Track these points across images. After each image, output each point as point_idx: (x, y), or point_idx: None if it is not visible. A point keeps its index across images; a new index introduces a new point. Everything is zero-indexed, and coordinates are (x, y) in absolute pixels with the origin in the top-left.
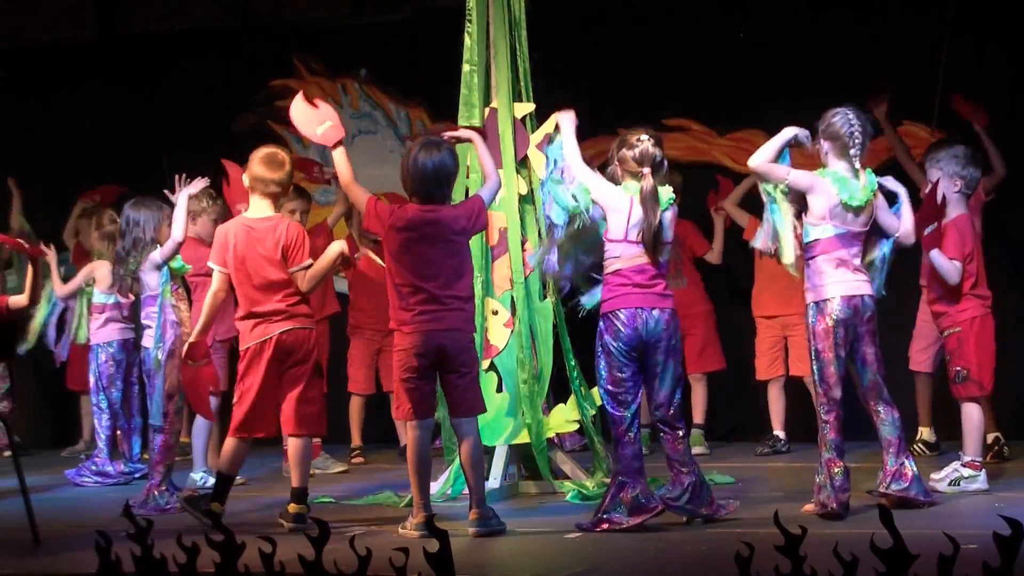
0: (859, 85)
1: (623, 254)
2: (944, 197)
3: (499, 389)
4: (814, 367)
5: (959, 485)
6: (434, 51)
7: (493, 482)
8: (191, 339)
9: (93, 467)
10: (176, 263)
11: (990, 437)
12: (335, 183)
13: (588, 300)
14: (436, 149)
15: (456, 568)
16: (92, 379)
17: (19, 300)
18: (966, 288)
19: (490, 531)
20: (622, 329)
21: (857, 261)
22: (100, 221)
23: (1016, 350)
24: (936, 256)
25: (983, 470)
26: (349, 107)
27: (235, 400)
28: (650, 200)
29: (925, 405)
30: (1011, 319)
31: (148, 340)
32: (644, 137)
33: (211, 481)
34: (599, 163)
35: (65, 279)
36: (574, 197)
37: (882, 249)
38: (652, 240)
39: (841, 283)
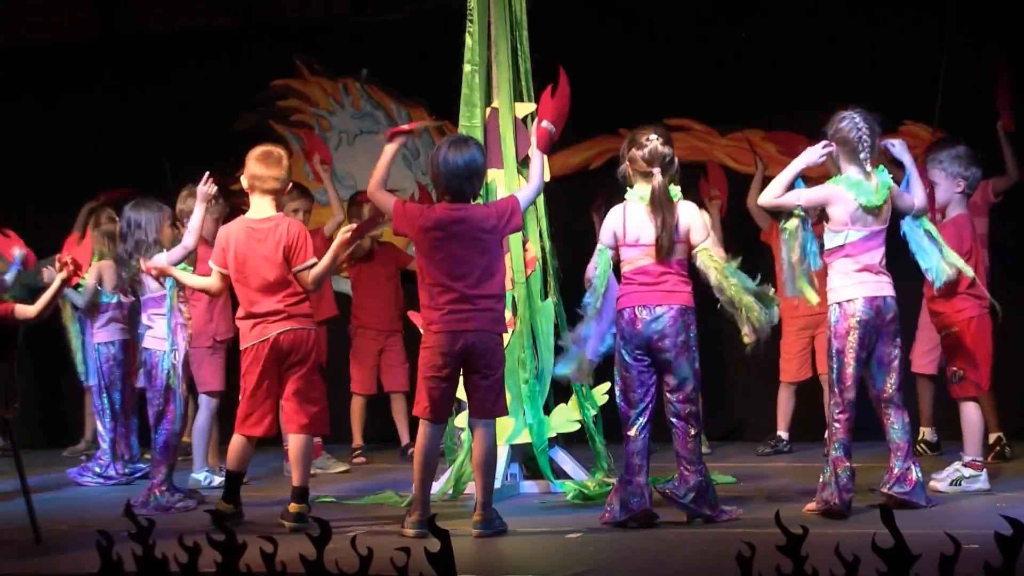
0: (860, 84)
1: (626, 258)
2: (932, 185)
3: None
4: (832, 366)
5: (960, 485)
6: (435, 51)
7: (495, 482)
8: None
9: (96, 468)
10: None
11: (992, 437)
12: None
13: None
14: (465, 145)
15: (457, 568)
16: (95, 380)
17: (27, 311)
18: (963, 287)
19: (493, 532)
20: (626, 327)
21: (880, 262)
22: (98, 220)
23: (1019, 350)
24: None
25: (984, 470)
26: (350, 107)
27: (239, 399)
28: (662, 199)
29: (927, 406)
30: (1015, 319)
31: (150, 341)
32: (653, 136)
33: (216, 480)
34: (600, 162)
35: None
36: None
37: (908, 234)
38: (667, 240)
39: (863, 284)
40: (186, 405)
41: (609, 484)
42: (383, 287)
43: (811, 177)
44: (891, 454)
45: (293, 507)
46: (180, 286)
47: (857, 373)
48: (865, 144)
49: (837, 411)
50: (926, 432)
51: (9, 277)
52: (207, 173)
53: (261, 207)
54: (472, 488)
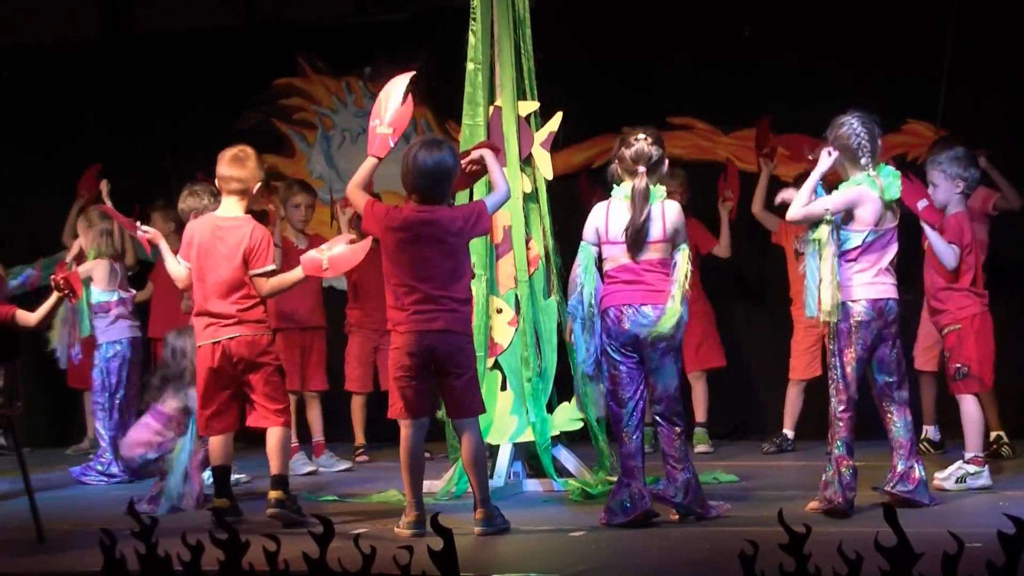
0: (863, 83)
1: (608, 255)
2: (932, 186)
3: (503, 387)
4: (835, 364)
5: (965, 482)
6: (438, 49)
7: (497, 480)
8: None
9: (99, 467)
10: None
11: (992, 435)
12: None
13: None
14: (437, 148)
15: (460, 566)
16: (98, 378)
17: (28, 319)
18: (966, 282)
19: (495, 530)
20: (612, 326)
21: (889, 262)
22: (90, 218)
23: (1019, 350)
24: (935, 239)
25: (986, 466)
26: (353, 105)
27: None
28: (639, 198)
29: (930, 404)
30: (1015, 320)
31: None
32: (642, 136)
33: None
34: (603, 161)
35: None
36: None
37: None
38: (635, 236)
39: (868, 286)
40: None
41: (611, 482)
42: (377, 287)
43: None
44: (893, 453)
45: (272, 494)
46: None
47: (859, 372)
48: (865, 149)
49: (840, 409)
50: (928, 430)
51: (14, 284)
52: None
53: (229, 207)
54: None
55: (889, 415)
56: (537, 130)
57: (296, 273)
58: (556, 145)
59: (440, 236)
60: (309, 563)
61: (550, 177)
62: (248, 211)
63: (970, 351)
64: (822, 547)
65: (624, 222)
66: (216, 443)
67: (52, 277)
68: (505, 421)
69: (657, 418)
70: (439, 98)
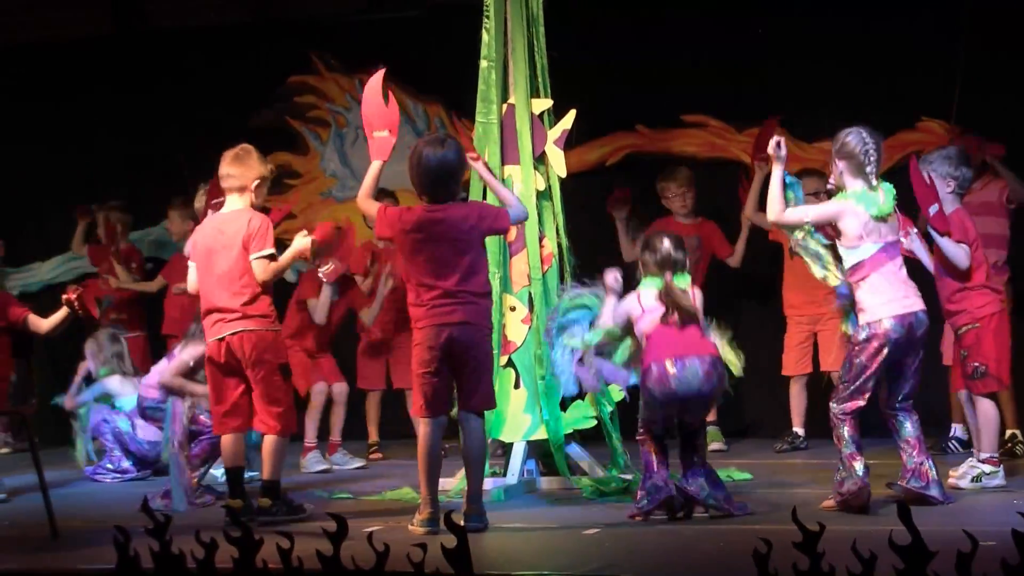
0: (877, 80)
1: (644, 328)
2: (930, 177)
3: (517, 385)
4: (852, 374)
5: (981, 481)
6: (452, 47)
7: (511, 478)
8: None
9: (109, 464)
10: None
11: (1007, 434)
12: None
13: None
14: (440, 145)
15: (473, 564)
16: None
17: (39, 325)
18: (980, 278)
19: (472, 528)
20: (655, 387)
21: (902, 271)
22: (99, 342)
23: None
24: (944, 243)
25: (1001, 466)
26: None
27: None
28: (672, 302)
29: (957, 402)
30: None
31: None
32: (667, 242)
33: None
34: (617, 159)
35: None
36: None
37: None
38: (682, 320)
39: (893, 303)
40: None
41: (625, 481)
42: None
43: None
44: (902, 452)
45: (261, 502)
46: None
47: (875, 383)
48: (871, 158)
49: (842, 410)
50: (958, 428)
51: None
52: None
53: (231, 203)
54: (488, 484)
55: (895, 417)
56: (550, 128)
57: (285, 257)
58: (570, 143)
59: (452, 234)
60: (323, 561)
61: (564, 175)
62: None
63: (988, 350)
64: (836, 545)
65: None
66: (227, 443)
67: (64, 295)
68: (518, 419)
69: (692, 466)
70: (452, 95)
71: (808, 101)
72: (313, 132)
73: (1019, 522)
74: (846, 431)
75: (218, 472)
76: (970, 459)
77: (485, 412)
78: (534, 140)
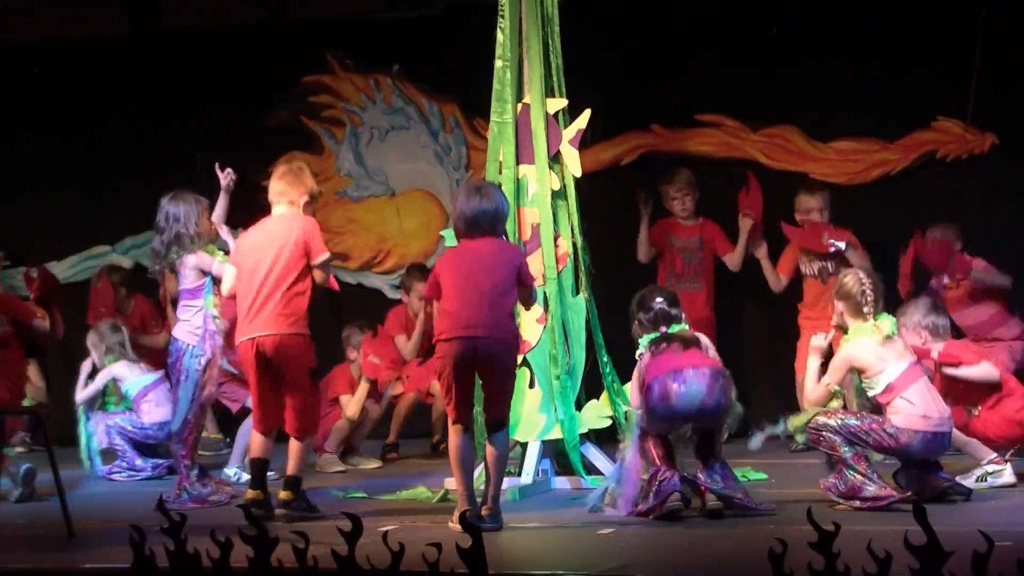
0: (893, 80)
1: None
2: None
3: (531, 385)
4: (852, 428)
5: (986, 481)
6: (467, 47)
7: (526, 478)
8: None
9: (124, 463)
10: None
11: None
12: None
13: None
14: (476, 195)
15: (489, 563)
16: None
17: (44, 327)
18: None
19: (487, 528)
20: (658, 404)
21: (932, 388)
22: (101, 333)
23: None
24: (964, 372)
25: (1008, 464)
26: (382, 103)
27: None
28: (667, 337)
29: None
30: None
31: (180, 332)
32: (659, 300)
33: (244, 477)
34: (632, 158)
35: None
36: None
37: None
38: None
39: (925, 419)
40: (204, 407)
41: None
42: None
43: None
44: None
45: (282, 494)
46: (217, 291)
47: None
48: (868, 299)
49: (833, 440)
50: None
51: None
52: (226, 168)
53: (278, 210)
54: (505, 484)
55: None
56: (565, 127)
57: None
58: (584, 142)
59: (488, 256)
60: (338, 560)
61: (579, 174)
62: None
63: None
64: (851, 545)
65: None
66: (255, 438)
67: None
68: (533, 419)
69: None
70: (467, 95)
71: (823, 100)
72: (328, 132)
73: None
74: (837, 437)
75: (231, 471)
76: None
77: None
78: (549, 139)
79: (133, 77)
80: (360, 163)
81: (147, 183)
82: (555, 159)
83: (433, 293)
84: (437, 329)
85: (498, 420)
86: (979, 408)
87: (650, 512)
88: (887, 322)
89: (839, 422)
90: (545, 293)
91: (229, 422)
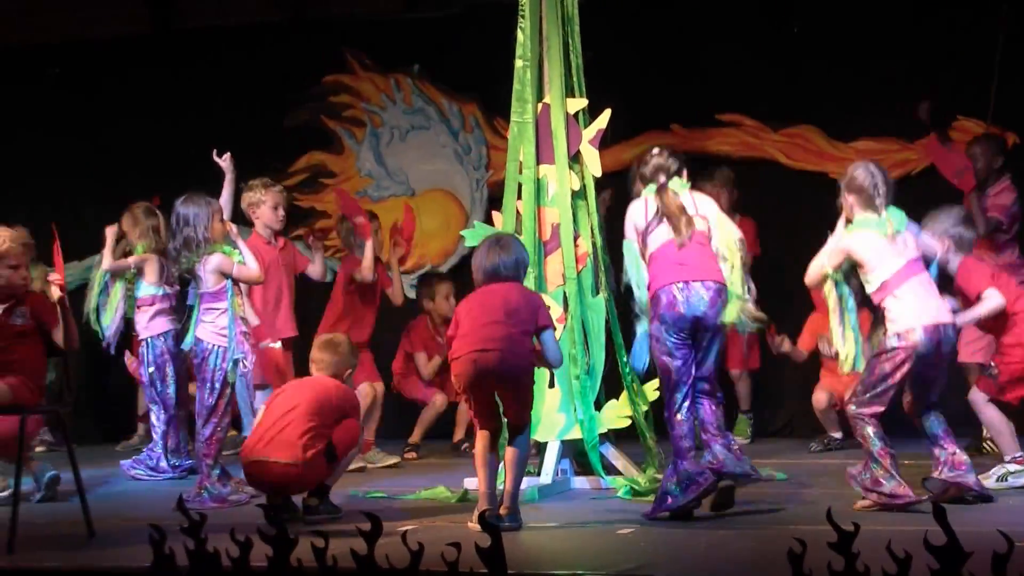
0: (913, 79)
1: (652, 242)
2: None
3: (551, 385)
4: (873, 379)
5: (1007, 481)
6: (487, 46)
7: (545, 478)
8: None
9: (148, 461)
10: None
11: None
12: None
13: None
14: (497, 249)
15: (508, 563)
16: (146, 373)
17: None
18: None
19: (507, 527)
20: (665, 311)
21: (931, 287)
22: (135, 215)
23: None
24: (972, 315)
25: None
26: (402, 102)
27: None
28: (674, 215)
29: None
30: None
31: (204, 333)
32: (656, 150)
33: None
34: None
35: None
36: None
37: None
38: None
39: (924, 313)
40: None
41: (659, 480)
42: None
43: None
44: (933, 446)
45: (307, 500)
46: (238, 290)
47: (897, 396)
48: (879, 190)
49: (862, 412)
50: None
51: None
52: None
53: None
54: (525, 483)
55: (920, 419)
56: (585, 127)
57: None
58: (605, 142)
59: (503, 300)
60: (357, 560)
61: (599, 174)
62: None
63: (1012, 363)
64: (871, 545)
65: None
66: None
67: (48, 277)
68: (553, 418)
69: (700, 395)
70: (488, 95)
71: (844, 100)
72: (348, 131)
73: None
74: (870, 430)
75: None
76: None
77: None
78: (569, 139)
79: (152, 77)
80: (380, 163)
81: (166, 183)
82: (575, 159)
83: (455, 332)
84: (452, 351)
85: (517, 426)
86: (996, 367)
87: (680, 507)
88: (897, 216)
89: (861, 390)
90: (565, 293)
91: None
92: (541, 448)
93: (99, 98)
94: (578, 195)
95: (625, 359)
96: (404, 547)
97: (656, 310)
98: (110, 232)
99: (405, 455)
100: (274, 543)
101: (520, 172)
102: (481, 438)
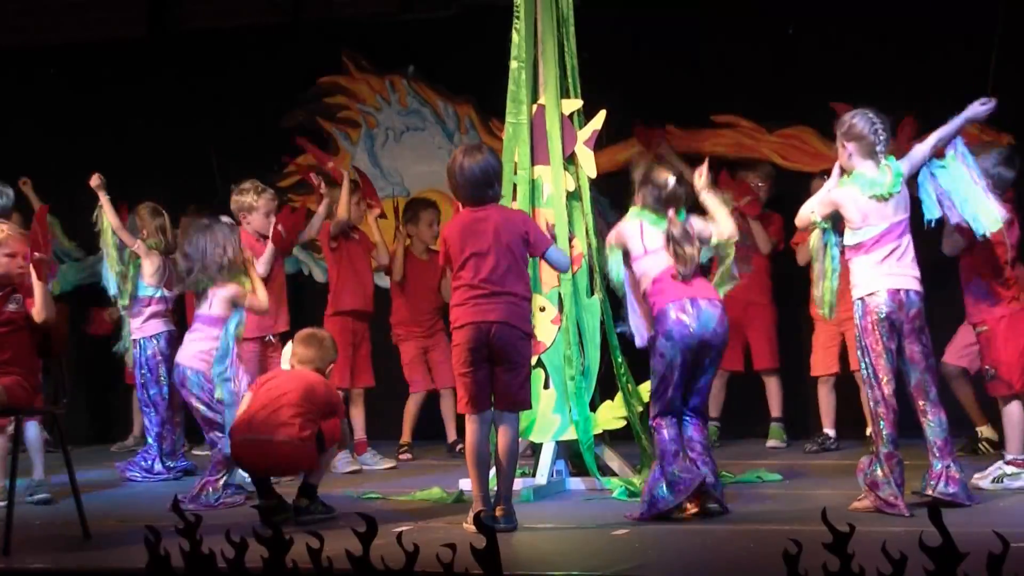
0: (911, 78)
1: (650, 266)
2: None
3: (546, 386)
4: (864, 362)
5: (1002, 482)
6: (482, 48)
7: (540, 478)
8: None
9: (143, 463)
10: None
11: None
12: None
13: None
14: (479, 152)
15: (503, 564)
16: (139, 374)
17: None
18: (1009, 295)
19: (503, 529)
20: (674, 327)
21: (904, 253)
22: (142, 216)
23: None
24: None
25: None
26: (397, 104)
27: None
28: (679, 244)
29: (971, 403)
30: None
31: (184, 357)
32: (671, 179)
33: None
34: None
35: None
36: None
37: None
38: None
39: (886, 276)
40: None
41: None
42: (418, 295)
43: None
44: (929, 453)
45: (299, 500)
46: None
47: (891, 364)
48: (881, 138)
49: (879, 408)
50: (984, 431)
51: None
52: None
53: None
54: (518, 484)
55: (924, 413)
56: (580, 128)
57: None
58: (600, 143)
59: (496, 232)
60: (352, 561)
61: (594, 175)
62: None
63: (997, 352)
64: (866, 546)
65: (660, 235)
66: None
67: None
68: (548, 419)
69: (691, 412)
70: (482, 96)
71: (839, 99)
72: (343, 133)
73: None
74: (884, 429)
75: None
76: (999, 461)
77: (520, 413)
78: (564, 140)
79: (151, 78)
80: (375, 164)
81: (165, 185)
82: (570, 160)
83: (446, 261)
84: (452, 317)
85: (513, 403)
86: (992, 368)
87: (669, 510)
88: (895, 176)
89: (868, 373)
90: (560, 294)
91: None
92: (536, 449)
93: (97, 100)
94: (573, 196)
95: (620, 359)
96: (400, 548)
97: (664, 325)
98: (98, 186)
99: (399, 456)
100: (269, 544)
101: (515, 173)
102: (476, 425)
